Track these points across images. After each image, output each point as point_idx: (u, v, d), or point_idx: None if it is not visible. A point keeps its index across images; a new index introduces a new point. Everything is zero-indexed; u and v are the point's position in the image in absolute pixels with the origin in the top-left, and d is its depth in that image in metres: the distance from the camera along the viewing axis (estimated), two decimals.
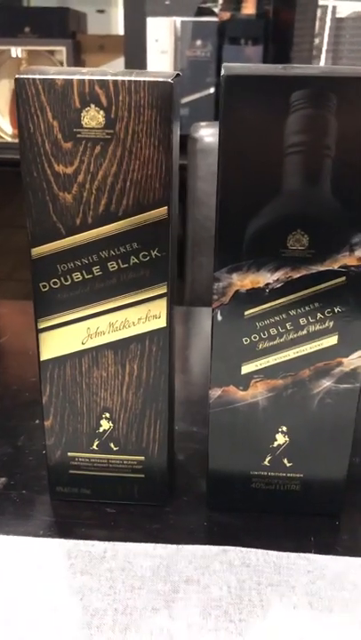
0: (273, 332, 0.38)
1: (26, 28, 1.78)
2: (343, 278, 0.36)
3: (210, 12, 1.82)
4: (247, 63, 1.66)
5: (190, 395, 0.57)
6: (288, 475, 0.42)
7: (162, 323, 0.38)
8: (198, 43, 1.73)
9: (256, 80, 0.32)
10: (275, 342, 0.38)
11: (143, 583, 0.37)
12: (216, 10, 1.85)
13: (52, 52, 1.73)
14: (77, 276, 0.37)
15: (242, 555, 0.39)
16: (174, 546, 0.40)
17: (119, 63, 1.77)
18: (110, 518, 0.43)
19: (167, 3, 1.91)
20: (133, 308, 0.38)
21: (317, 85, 0.32)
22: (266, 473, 0.42)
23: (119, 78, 0.33)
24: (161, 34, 1.73)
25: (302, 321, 0.37)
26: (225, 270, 0.37)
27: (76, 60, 1.77)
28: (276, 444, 0.41)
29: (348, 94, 0.32)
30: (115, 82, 0.33)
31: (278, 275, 0.37)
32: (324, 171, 0.34)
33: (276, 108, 0.33)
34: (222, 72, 0.32)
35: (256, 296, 0.37)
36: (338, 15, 1.82)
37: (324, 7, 1.81)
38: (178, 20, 1.71)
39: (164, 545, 0.40)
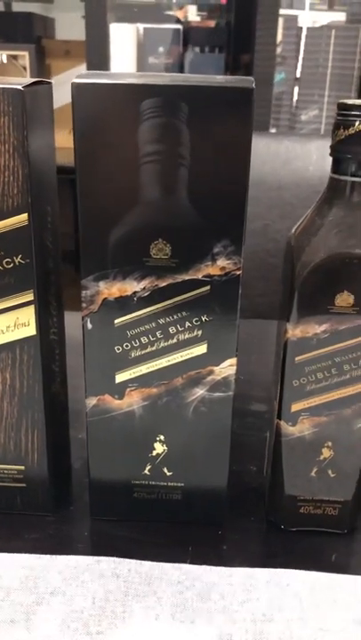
0: (144, 340, 0.38)
1: None
2: (208, 287, 0.36)
3: (177, 20, 1.83)
4: (208, 70, 1.66)
5: None
6: (169, 484, 0.41)
7: (31, 331, 0.38)
8: (161, 49, 1.73)
9: (105, 88, 0.32)
10: (146, 351, 0.38)
11: (8, 595, 0.37)
12: (198, 19, 1.86)
13: (15, 57, 1.72)
14: None
15: (114, 565, 0.39)
16: (48, 556, 0.39)
17: (84, 69, 1.77)
18: None
19: (135, 10, 1.91)
20: (1, 316, 0.37)
21: (166, 94, 0.32)
22: (147, 482, 0.41)
23: None
24: (124, 40, 1.73)
25: (172, 329, 0.37)
26: (91, 278, 0.37)
27: (40, 65, 1.77)
28: (155, 452, 0.41)
29: (199, 103, 0.32)
30: None
31: (144, 283, 0.36)
32: (179, 180, 0.34)
33: (127, 117, 0.32)
34: (73, 80, 0.32)
35: (125, 304, 0.37)
36: (309, 25, 1.83)
37: (294, 17, 1.83)
38: (141, 26, 1.71)
39: (38, 555, 0.39)
